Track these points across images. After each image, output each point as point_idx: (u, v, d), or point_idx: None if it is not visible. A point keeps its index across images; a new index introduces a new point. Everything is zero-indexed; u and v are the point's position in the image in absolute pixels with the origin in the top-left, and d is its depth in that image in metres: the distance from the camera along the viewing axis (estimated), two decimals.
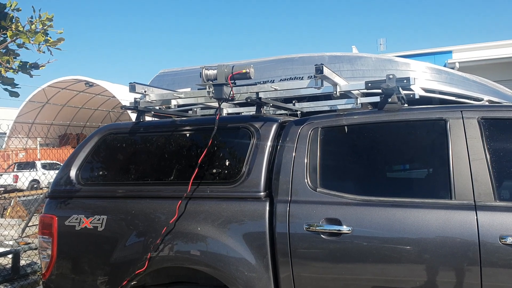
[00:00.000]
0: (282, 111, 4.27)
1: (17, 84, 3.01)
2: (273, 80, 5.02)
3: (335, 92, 3.34)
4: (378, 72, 4.82)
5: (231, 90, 3.15)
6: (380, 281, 2.79)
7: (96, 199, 3.61)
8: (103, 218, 3.47)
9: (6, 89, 2.99)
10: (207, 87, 3.13)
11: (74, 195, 3.68)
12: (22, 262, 6.16)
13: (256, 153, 3.26)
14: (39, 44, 2.71)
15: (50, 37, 2.72)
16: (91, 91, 34.60)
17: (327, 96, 4.90)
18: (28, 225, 9.79)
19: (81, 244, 3.54)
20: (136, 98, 3.92)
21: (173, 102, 3.83)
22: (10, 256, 5.87)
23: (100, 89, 33.48)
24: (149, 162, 3.63)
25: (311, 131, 3.21)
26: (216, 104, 4.48)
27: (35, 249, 6.18)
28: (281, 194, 3.10)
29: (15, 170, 24.67)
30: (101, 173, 3.70)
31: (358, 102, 4.20)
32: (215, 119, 3.34)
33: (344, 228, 2.86)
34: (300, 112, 4.44)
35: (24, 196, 14.62)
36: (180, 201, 3.19)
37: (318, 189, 3.04)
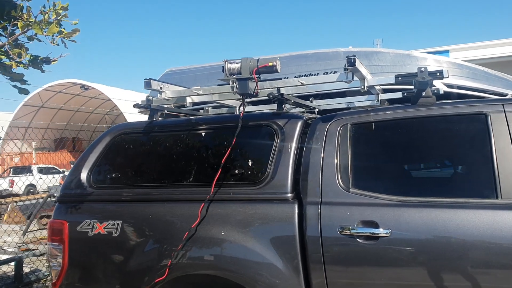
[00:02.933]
0: (298, 109, 4.08)
1: (27, 81, 2.80)
2: (287, 77, 4.83)
3: (362, 87, 3.15)
4: (397, 67, 4.64)
5: (256, 84, 2.96)
6: (422, 287, 2.60)
7: (110, 203, 3.40)
8: (118, 223, 3.26)
9: (15, 86, 2.78)
10: (230, 82, 2.93)
11: (86, 199, 3.47)
12: (25, 270, 5.92)
13: (281, 152, 3.07)
14: (52, 36, 2.50)
15: (64, 28, 2.52)
16: (87, 94, 34.32)
17: (341, 94, 4.73)
18: (28, 230, 9.57)
19: (95, 251, 3.33)
20: (149, 96, 3.72)
21: (188, 100, 3.63)
22: (12, 263, 5.64)
23: (96, 92, 33.22)
24: (166, 163, 3.43)
25: (340, 128, 3.02)
26: (230, 102, 4.29)
27: (39, 255, 5.95)
28: (310, 195, 2.91)
29: (10, 174, 24.33)
30: (114, 175, 3.49)
31: (379, 98, 4.04)
32: (236, 116, 3.16)
33: (382, 231, 2.66)
34: (317, 110, 4.26)
35: (20, 201, 14.37)
36: (202, 204, 2.99)
37: (351, 190, 2.84)
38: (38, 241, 8.41)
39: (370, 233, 2.68)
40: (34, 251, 6.02)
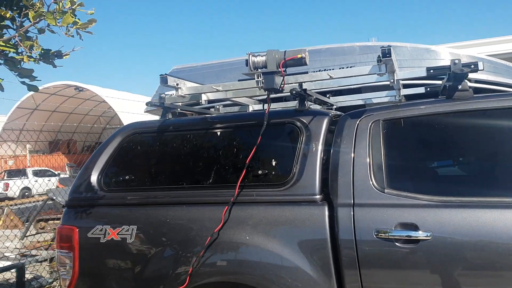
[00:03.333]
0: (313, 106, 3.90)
1: (36, 77, 2.59)
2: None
3: (392, 81, 2.97)
4: (416, 62, 4.47)
5: (283, 79, 2.76)
6: None
7: (123, 207, 3.20)
8: (132, 229, 3.06)
9: (23, 83, 2.57)
10: (255, 76, 2.73)
11: (97, 202, 3.26)
12: (28, 276, 5.69)
13: (307, 151, 2.88)
14: (67, 27, 2.29)
15: (79, 19, 2.31)
16: (81, 96, 34.03)
17: (356, 90, 4.55)
18: (26, 235, 9.32)
19: (108, 259, 3.13)
20: (162, 94, 3.52)
21: (204, 98, 3.43)
22: (14, 270, 5.40)
23: (91, 94, 32.92)
24: (183, 164, 3.23)
25: (371, 125, 2.84)
26: (242, 100, 4.10)
27: (42, 261, 5.72)
28: (341, 196, 2.72)
29: (5, 178, 24.00)
30: (127, 177, 3.29)
31: (401, 94, 3.86)
32: (258, 114, 2.97)
33: (422, 234, 2.48)
34: (335, 107, 4.08)
35: (16, 205, 14.12)
36: (226, 207, 2.79)
37: (386, 190, 2.66)
38: (39, 245, 8.16)
39: (409, 236, 2.50)
40: (36, 257, 5.79)
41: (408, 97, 3.86)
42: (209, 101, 4.25)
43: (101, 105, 34.16)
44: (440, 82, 3.66)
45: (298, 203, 2.78)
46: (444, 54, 4.62)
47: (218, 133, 3.21)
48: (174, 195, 3.09)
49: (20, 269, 5.27)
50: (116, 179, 3.33)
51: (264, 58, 2.69)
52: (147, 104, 3.42)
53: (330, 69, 4.64)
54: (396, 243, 2.51)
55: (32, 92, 30.78)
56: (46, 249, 8.12)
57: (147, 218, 3.07)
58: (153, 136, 3.38)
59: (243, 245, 2.79)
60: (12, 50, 2.29)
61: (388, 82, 3.18)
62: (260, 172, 2.94)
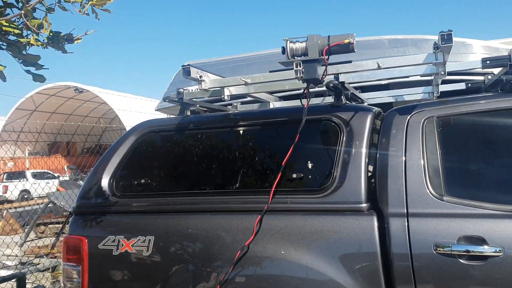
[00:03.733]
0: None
1: (43, 65, 2.24)
2: None
3: (442, 72, 2.63)
4: (452, 56, 4.11)
5: (325, 68, 2.41)
6: None
7: (138, 214, 2.85)
8: (149, 240, 2.71)
9: (28, 71, 2.22)
10: (294, 65, 2.37)
11: (109, 210, 2.91)
12: (28, 286, 5.33)
13: (350, 153, 2.54)
14: (81, 3, 1.95)
15: None
16: (81, 98, 33.67)
17: (384, 86, 4.20)
18: (26, 240, 8.96)
19: (121, 273, 2.79)
20: (179, 89, 3.18)
21: (226, 92, 3.09)
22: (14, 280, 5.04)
23: (91, 95, 32.58)
24: (206, 167, 2.88)
25: (424, 122, 2.49)
26: (261, 96, 3.75)
27: (43, 270, 5.36)
28: (392, 205, 2.37)
29: (4, 180, 23.61)
30: (143, 181, 2.94)
31: (439, 90, 3.52)
32: (293, 109, 2.63)
33: (491, 249, 2.13)
34: (366, 103, 3.73)
35: (15, 208, 13.75)
36: (259, 216, 2.45)
37: (445, 198, 2.31)
38: (38, 251, 7.79)
39: (476, 251, 2.15)
40: (37, 265, 5.44)
41: (447, 94, 3.53)
42: (236, 96, 3.94)
43: (101, 107, 33.82)
44: (482, 77, 3.32)
45: (341, 212, 2.44)
46: (477, 48, 4.30)
47: (246, 132, 2.87)
48: (196, 202, 2.74)
49: (21, 279, 4.92)
50: (130, 183, 2.98)
51: (304, 44, 2.34)
52: (164, 99, 3.08)
53: None
54: (460, 260, 2.17)
55: (32, 93, 30.76)
56: (47, 255, 7.79)
57: (166, 227, 2.72)
58: (171, 135, 3.04)
59: (278, 260, 2.44)
60: (16, 31, 1.94)
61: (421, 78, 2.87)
62: (294, 176, 2.59)
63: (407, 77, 3.03)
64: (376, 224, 2.34)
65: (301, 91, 2.81)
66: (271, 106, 3.96)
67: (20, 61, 2.20)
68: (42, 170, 25.22)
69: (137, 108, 30.80)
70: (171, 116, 5.00)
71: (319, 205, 2.48)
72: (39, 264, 5.51)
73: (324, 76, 2.43)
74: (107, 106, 31.82)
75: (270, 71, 2.80)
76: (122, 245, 2.76)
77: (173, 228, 2.70)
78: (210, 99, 3.66)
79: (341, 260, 2.36)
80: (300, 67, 2.35)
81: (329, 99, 3.73)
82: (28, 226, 10.80)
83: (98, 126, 35.96)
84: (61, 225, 10.15)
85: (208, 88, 2.86)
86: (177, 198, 2.79)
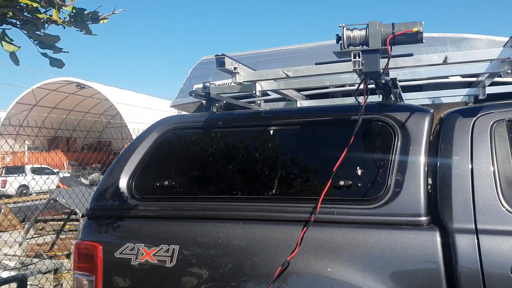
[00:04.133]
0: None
1: (62, 48, 1.94)
2: None
3: (509, 71, 2.32)
4: None
5: (388, 60, 2.10)
6: None
7: (161, 220, 2.54)
8: (173, 249, 2.41)
9: (45, 55, 1.92)
10: (352, 56, 2.07)
11: (127, 214, 2.61)
12: None
13: (406, 158, 2.24)
14: None
15: None
16: (83, 93, 33.35)
17: (417, 87, 3.91)
18: (26, 237, 8.64)
19: (140, 285, 2.48)
20: (206, 82, 2.87)
21: (258, 87, 2.78)
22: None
23: (92, 91, 32.25)
24: (238, 169, 2.57)
25: (493, 126, 2.19)
26: (288, 93, 3.44)
27: (45, 273, 5.05)
28: (458, 219, 2.07)
29: (3, 174, 23.26)
30: (166, 182, 2.63)
31: (485, 92, 3.23)
32: (342, 108, 2.33)
33: None
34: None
35: (14, 203, 13.45)
36: (305, 228, 2.14)
37: None
38: (38, 249, 7.46)
39: None
40: (38, 266, 5.12)
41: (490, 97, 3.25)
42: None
43: (103, 103, 33.51)
44: None
45: (397, 226, 2.14)
46: None
47: (284, 132, 2.57)
48: (228, 208, 2.44)
49: (22, 282, 4.61)
50: (152, 184, 2.68)
51: (364, 32, 2.04)
52: (190, 94, 2.77)
53: None
54: None
55: (33, 87, 30.42)
56: (48, 255, 7.47)
57: (193, 236, 2.41)
58: (198, 133, 2.73)
59: (324, 278, 2.13)
60: (35, 4, 1.64)
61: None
62: (342, 183, 2.28)
63: (467, 75, 2.72)
64: (439, 240, 2.04)
65: (355, 86, 2.50)
66: (298, 104, 3.67)
67: (36, 42, 1.90)
68: (42, 166, 24.87)
69: (138, 104, 30.54)
70: (185, 113, 4.70)
71: (371, 217, 2.18)
72: (40, 265, 5.19)
73: (385, 70, 2.13)
74: (109, 102, 31.51)
75: (317, 63, 2.49)
76: (142, 254, 2.45)
77: (200, 237, 2.40)
78: (238, 95, 3.37)
79: (396, 280, 2.07)
80: (359, 58, 2.04)
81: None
82: (28, 222, 10.50)
83: (99, 122, 35.64)
84: (59, 222, 9.87)
85: (244, 81, 2.55)
86: (205, 203, 2.49)
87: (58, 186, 13.08)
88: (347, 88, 4.09)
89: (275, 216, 2.31)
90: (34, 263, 5.06)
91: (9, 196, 18.57)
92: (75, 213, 8.39)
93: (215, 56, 2.44)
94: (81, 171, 13.95)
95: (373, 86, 2.52)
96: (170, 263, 2.39)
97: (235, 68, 2.48)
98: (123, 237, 2.55)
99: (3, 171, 23.91)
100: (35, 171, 23.03)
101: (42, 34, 1.84)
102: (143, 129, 2.92)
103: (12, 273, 4.88)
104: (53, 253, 8.07)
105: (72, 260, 2.70)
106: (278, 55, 4.74)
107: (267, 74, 2.52)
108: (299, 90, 3.72)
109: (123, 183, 2.67)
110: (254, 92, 2.81)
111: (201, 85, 4.70)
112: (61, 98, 33.08)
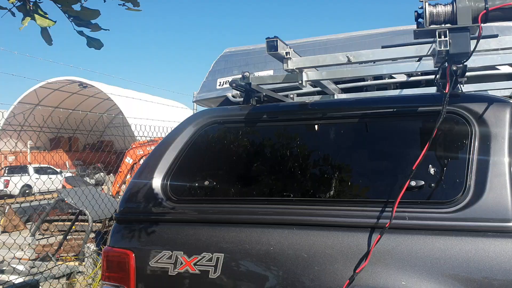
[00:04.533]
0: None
1: (101, 27, 1.66)
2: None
3: None
4: None
5: (478, 40, 1.82)
6: None
7: (202, 225, 2.26)
8: (217, 258, 2.13)
9: (81, 33, 1.65)
10: (437, 35, 1.78)
11: (163, 217, 2.33)
12: None
13: (487, 155, 1.96)
14: None
15: None
16: (86, 93, 33.10)
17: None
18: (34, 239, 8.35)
19: None
20: (245, 72, 2.59)
21: (304, 77, 2.50)
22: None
23: (95, 91, 32.00)
24: (290, 168, 2.29)
25: None
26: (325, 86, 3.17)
27: (58, 278, 4.77)
28: None
29: (5, 174, 23.00)
30: (206, 182, 2.35)
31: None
32: (413, 97, 2.05)
33: None
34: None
35: (17, 203, 13.17)
36: (379, 235, 1.86)
37: None
38: (41, 250, 7.17)
39: None
40: (51, 269, 4.84)
41: None
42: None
43: (105, 103, 33.25)
44: None
45: (481, 232, 1.86)
46: None
47: (341, 125, 2.29)
48: (279, 212, 2.15)
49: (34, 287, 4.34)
50: (190, 184, 2.40)
51: (450, 7, 1.76)
52: (230, 84, 2.50)
53: None
54: None
55: (36, 87, 30.15)
56: (55, 257, 7.20)
57: (240, 243, 2.14)
58: (241, 127, 2.45)
59: None
60: None
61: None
62: (413, 183, 2.00)
63: None
64: None
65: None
66: (336, 98, 3.40)
67: (72, 18, 1.62)
68: (45, 165, 24.62)
69: (141, 103, 30.31)
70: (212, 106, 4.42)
71: (449, 223, 1.90)
72: (55, 270, 4.90)
73: (472, 52, 1.84)
74: (111, 102, 31.25)
75: (383, 47, 2.21)
76: (181, 263, 2.18)
77: (249, 244, 2.12)
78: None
79: None
80: (445, 37, 1.76)
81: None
82: (31, 223, 10.23)
83: (100, 122, 35.39)
84: (65, 223, 9.60)
85: (296, 68, 2.26)
86: (254, 206, 2.21)
87: (63, 186, 12.82)
88: (385, 81, 3.82)
89: (336, 221, 2.03)
90: (49, 269, 4.77)
91: (12, 196, 18.29)
92: (83, 214, 8.13)
93: (266, 39, 2.16)
94: (86, 171, 13.68)
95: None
96: (213, 273, 2.12)
97: (287, 53, 2.19)
98: (159, 243, 2.27)
99: (6, 171, 23.64)
100: (38, 171, 22.78)
101: (81, 7, 1.57)
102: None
103: (22, 277, 4.61)
104: (60, 255, 7.80)
105: (102, 270, 2.43)
106: (306, 47, 4.46)
107: (325, 60, 2.23)
108: (336, 82, 3.46)
109: (156, 183, 2.40)
110: (299, 82, 2.53)
111: (225, 79, 4.39)
112: (63, 98, 32.83)
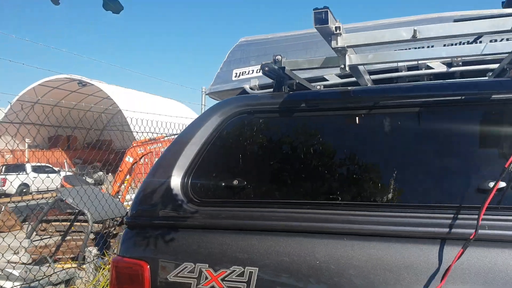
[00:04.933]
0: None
1: None
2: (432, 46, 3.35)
3: None
4: None
5: None
6: None
7: (231, 232, 1.90)
8: (250, 272, 1.77)
9: None
10: None
11: (183, 222, 1.97)
12: None
13: None
14: None
15: None
16: (85, 91, 32.74)
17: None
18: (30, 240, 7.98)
19: None
20: (277, 56, 2.22)
21: (347, 61, 2.13)
22: None
23: (94, 89, 31.65)
24: (335, 166, 1.93)
25: None
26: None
27: (56, 284, 4.40)
28: None
29: (2, 172, 22.62)
30: (235, 182, 1.99)
31: None
32: (482, 83, 1.70)
33: None
34: None
35: (13, 202, 12.79)
36: (461, 249, 1.50)
37: None
38: (36, 251, 6.79)
39: None
40: (48, 274, 4.48)
41: None
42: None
43: (105, 101, 32.88)
44: None
45: None
46: None
47: (397, 116, 1.92)
48: (325, 218, 1.79)
49: None
50: (215, 184, 2.04)
51: None
52: (262, 68, 2.13)
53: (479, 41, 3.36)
54: None
55: (34, 85, 29.78)
56: (53, 259, 6.83)
57: (278, 255, 1.78)
58: (276, 118, 2.09)
59: None
60: None
61: None
62: (491, 185, 1.65)
63: None
64: None
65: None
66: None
67: None
68: (43, 164, 24.24)
69: (142, 104, 29.97)
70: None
71: None
72: (54, 277, 4.53)
73: None
74: (110, 101, 30.89)
75: (455, 20, 1.85)
76: (206, 277, 1.82)
77: (289, 256, 1.76)
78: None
79: None
80: None
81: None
82: (28, 223, 9.86)
83: (99, 120, 35.02)
84: (63, 223, 9.24)
85: (347, 45, 1.90)
86: (294, 212, 1.85)
87: (62, 185, 12.45)
88: (419, 72, 3.46)
89: (396, 231, 1.67)
90: (46, 276, 4.39)
91: (9, 195, 17.90)
92: (82, 214, 7.79)
93: (314, 10, 1.78)
94: (85, 170, 13.31)
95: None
96: None
97: (336, 28, 1.83)
98: (178, 254, 1.91)
99: (3, 169, 23.27)
100: (36, 169, 22.38)
101: None
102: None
103: (17, 284, 4.25)
104: (57, 257, 7.45)
105: (112, 283, 2.06)
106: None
107: (384, 36, 1.86)
108: (371, 73, 3.13)
109: (175, 182, 2.03)
110: (341, 66, 2.16)
111: (241, 69, 4.00)
112: (63, 96, 32.46)
